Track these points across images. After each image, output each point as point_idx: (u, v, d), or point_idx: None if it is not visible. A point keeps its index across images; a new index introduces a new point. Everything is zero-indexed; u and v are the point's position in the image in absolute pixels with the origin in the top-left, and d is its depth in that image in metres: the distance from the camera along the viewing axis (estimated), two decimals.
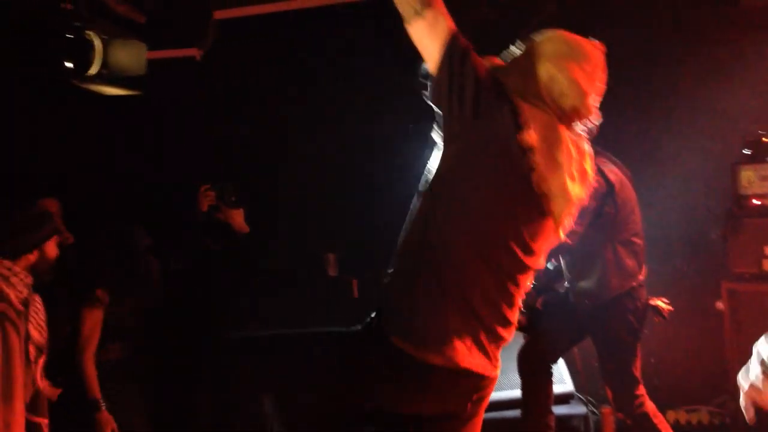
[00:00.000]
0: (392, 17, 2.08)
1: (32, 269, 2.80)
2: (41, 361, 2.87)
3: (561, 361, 4.08)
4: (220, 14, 4.51)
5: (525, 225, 1.99)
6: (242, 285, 4.20)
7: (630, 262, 3.43)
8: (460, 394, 2.01)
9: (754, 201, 4.13)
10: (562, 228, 2.04)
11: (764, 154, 4.15)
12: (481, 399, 2.07)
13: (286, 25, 4.47)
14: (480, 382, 2.01)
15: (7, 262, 2.71)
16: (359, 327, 2.09)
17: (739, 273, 4.13)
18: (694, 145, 4.51)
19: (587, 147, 2.09)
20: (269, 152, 4.92)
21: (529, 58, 2.04)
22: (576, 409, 4.12)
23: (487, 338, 2.00)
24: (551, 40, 2.07)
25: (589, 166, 2.08)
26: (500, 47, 2.17)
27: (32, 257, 2.81)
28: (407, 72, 2.27)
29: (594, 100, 2.06)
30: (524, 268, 2.04)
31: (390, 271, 2.07)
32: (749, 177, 4.15)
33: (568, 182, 1.99)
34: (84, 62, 3.52)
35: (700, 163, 4.48)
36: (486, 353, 2.00)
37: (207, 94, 4.87)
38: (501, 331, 2.03)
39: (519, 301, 2.09)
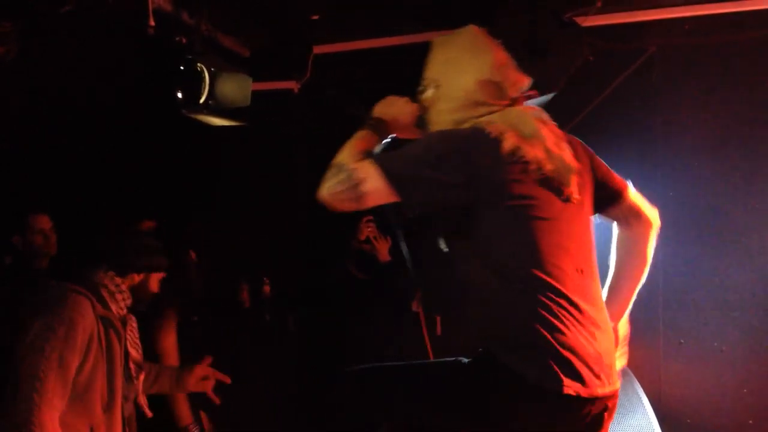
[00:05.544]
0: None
1: (133, 292, 2.88)
2: (141, 377, 2.95)
3: None
4: (319, 49, 4.63)
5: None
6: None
7: None
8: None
9: None
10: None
11: None
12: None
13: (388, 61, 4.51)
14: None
15: (117, 279, 2.82)
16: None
17: None
18: None
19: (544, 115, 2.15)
20: None
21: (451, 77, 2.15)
22: None
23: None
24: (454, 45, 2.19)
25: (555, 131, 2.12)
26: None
27: (137, 278, 2.89)
28: None
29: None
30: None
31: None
32: None
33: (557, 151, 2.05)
34: (194, 93, 3.65)
35: None
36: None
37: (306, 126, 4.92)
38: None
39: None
